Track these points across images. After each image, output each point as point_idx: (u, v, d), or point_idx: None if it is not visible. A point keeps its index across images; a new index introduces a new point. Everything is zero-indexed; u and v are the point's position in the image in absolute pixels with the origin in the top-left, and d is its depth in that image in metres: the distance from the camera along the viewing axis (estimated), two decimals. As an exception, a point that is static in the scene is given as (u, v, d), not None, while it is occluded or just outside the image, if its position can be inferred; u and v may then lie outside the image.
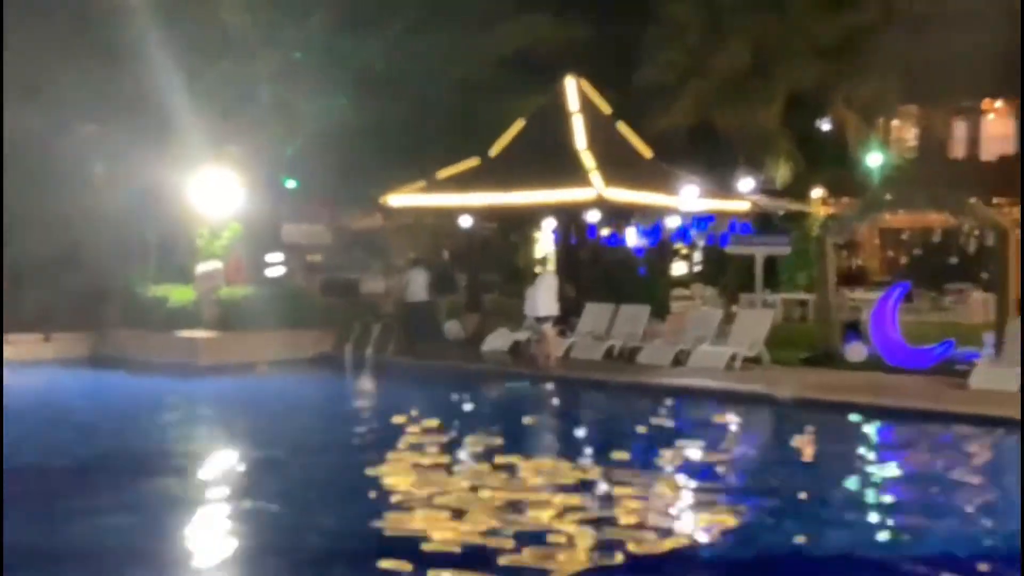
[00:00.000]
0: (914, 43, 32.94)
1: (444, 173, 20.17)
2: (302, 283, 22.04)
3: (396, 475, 9.19)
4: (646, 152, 21.58)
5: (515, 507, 8.12)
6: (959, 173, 36.78)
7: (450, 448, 10.54)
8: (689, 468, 10.07)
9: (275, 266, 20.78)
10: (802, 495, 8.92)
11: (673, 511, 8.43)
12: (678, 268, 30.38)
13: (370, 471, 9.26)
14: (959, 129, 43.84)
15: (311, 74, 19.61)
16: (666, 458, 10.25)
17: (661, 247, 23.37)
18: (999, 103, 42.04)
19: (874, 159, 27.15)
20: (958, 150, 43.51)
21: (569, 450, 11.12)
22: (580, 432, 12.87)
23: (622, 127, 21.39)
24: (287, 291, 19.78)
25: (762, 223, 25.28)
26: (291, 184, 21.98)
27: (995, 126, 41.94)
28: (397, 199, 20.48)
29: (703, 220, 22.15)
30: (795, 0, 28.03)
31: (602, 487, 8.96)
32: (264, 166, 19.55)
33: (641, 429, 12.04)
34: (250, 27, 18.83)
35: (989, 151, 40.97)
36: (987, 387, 13.21)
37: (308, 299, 19.84)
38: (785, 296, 24.83)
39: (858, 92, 28.24)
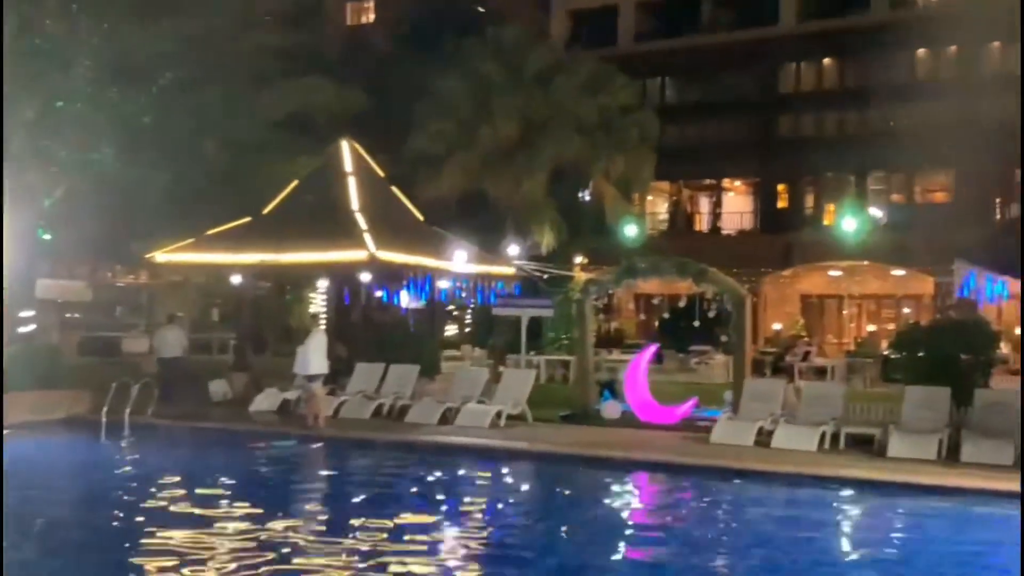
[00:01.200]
0: (668, 126, 35.87)
1: (214, 231, 19.88)
2: (56, 341, 20.87)
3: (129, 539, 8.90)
4: (418, 216, 22.21)
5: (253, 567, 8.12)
6: (703, 244, 40.03)
7: (198, 509, 10.26)
8: (443, 522, 10.40)
9: (27, 323, 19.58)
10: (553, 544, 9.51)
11: (419, 565, 8.53)
12: (449, 329, 31.13)
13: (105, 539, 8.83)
14: (704, 205, 47.78)
15: (72, 123, 18.86)
16: (423, 512, 10.51)
17: (432, 308, 23.91)
18: (738, 182, 46.26)
19: (630, 229, 29.10)
20: (703, 224, 47.35)
21: (324, 509, 11.18)
22: (339, 490, 12.83)
23: (395, 191, 21.95)
24: (39, 350, 18.71)
25: (528, 287, 26.42)
26: (47, 236, 20.90)
27: (734, 203, 46.04)
28: (163, 256, 19.95)
29: (472, 283, 22.93)
30: (559, 81, 29.97)
31: (355, 546, 8.97)
32: (19, 217, 18.51)
33: (402, 486, 12.33)
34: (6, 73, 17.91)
35: (729, 225, 44.88)
36: (726, 441, 14.45)
37: (62, 358, 18.82)
38: (548, 357, 25.98)
39: (615, 167, 30.36)
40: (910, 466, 12.49)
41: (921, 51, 41.27)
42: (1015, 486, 11.36)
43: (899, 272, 38.48)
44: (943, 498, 11.27)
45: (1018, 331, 35.01)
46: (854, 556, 9.50)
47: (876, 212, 40.93)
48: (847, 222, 25.08)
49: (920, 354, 15.97)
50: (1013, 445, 12.64)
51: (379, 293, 22.12)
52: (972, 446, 12.84)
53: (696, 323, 18.67)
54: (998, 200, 39.08)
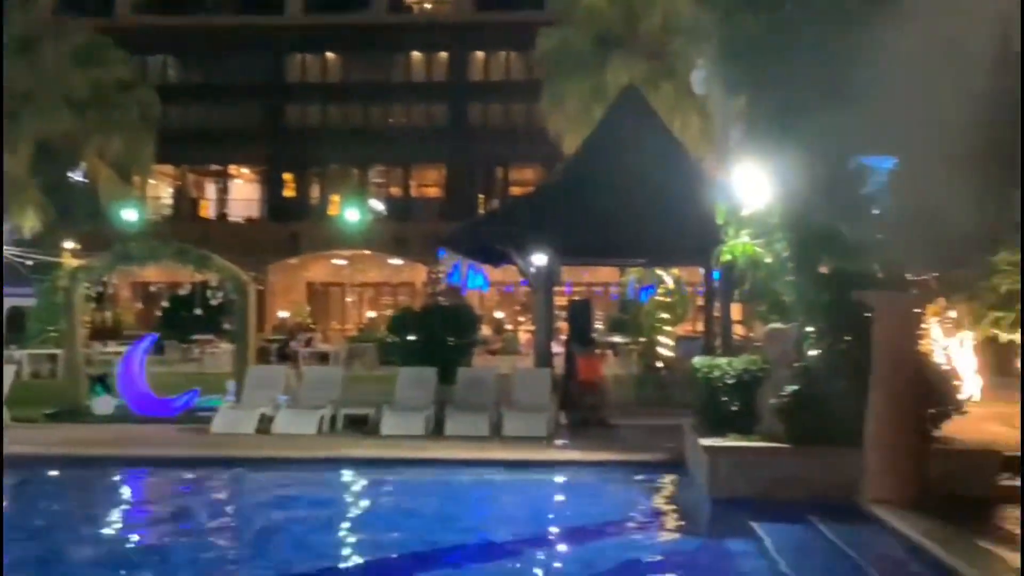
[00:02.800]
0: (172, 107, 34.35)
1: None
2: None
3: None
4: None
5: None
6: (210, 231, 39.11)
7: None
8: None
9: None
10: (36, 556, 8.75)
11: None
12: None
13: None
14: (210, 191, 46.64)
15: None
16: None
17: None
18: (245, 169, 45.84)
19: (128, 214, 27.48)
20: (209, 210, 46.20)
21: None
22: None
23: None
24: None
25: (12, 273, 23.83)
26: None
27: (242, 190, 45.56)
28: None
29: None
30: (45, 48, 27.28)
31: None
32: None
33: None
34: None
35: (237, 212, 44.33)
36: (227, 430, 14.27)
37: None
38: (32, 351, 23.68)
39: (111, 146, 28.42)
40: (401, 442, 13.36)
41: (416, 54, 44.11)
42: (492, 454, 12.69)
43: (396, 261, 40.90)
44: (430, 469, 12.21)
45: (497, 314, 39.02)
46: (352, 531, 9.93)
47: (377, 204, 43.07)
48: (350, 213, 26.20)
49: (412, 337, 17.10)
50: (488, 417, 14.05)
51: None
52: (454, 421, 14.06)
53: (199, 311, 18.21)
54: (481, 196, 43.18)
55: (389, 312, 35.76)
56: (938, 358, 15.86)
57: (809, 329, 10.99)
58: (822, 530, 8.63)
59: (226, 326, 20.40)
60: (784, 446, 10.32)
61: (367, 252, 39.50)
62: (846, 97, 11.19)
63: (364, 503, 11.51)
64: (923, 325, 11.31)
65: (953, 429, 10.94)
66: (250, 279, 17.73)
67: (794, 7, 11.41)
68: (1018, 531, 8.50)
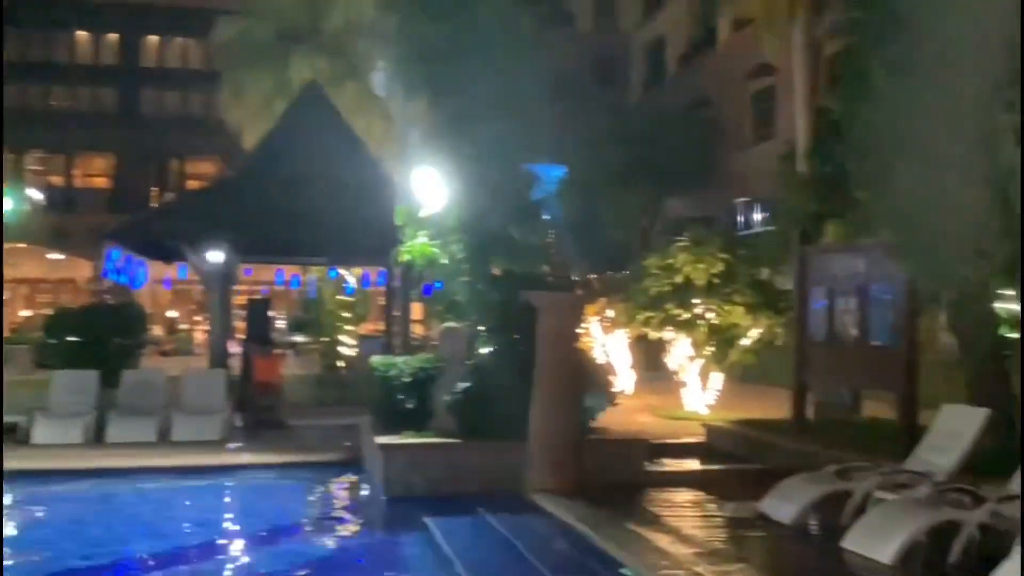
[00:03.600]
0: None
1: None
2: None
3: None
4: None
5: None
6: None
7: None
8: None
9: None
10: None
11: None
12: None
13: None
14: None
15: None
16: None
17: None
18: None
19: None
20: None
21: None
22: None
23: None
24: None
25: None
26: None
27: None
28: None
29: None
30: None
31: None
32: None
33: None
34: None
35: None
36: None
37: None
38: None
39: None
40: (55, 451, 12.34)
41: (82, 33, 40.97)
42: (158, 461, 12.05)
43: (57, 256, 37.69)
44: (87, 480, 11.37)
45: (170, 313, 37.11)
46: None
47: (35, 193, 39.49)
48: (4, 202, 23.74)
49: (73, 338, 15.85)
50: (156, 421, 13.32)
51: None
52: (117, 426, 13.19)
53: None
54: (155, 188, 40.89)
55: (49, 311, 32.89)
56: (597, 354, 17.13)
57: (481, 328, 11.45)
58: (489, 520, 9.01)
59: None
60: (456, 441, 10.67)
61: (22, 245, 36.06)
62: (515, 107, 11.80)
63: (9, 523, 10.49)
64: (583, 323, 12.15)
65: (608, 420, 11.85)
66: None
67: (467, 18, 11.83)
68: (661, 512, 9.36)
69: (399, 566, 8.47)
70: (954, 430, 8.74)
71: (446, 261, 11.87)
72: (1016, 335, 14.95)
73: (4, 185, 15.80)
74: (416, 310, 21.33)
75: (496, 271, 11.76)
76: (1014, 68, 8.95)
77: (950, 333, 11.57)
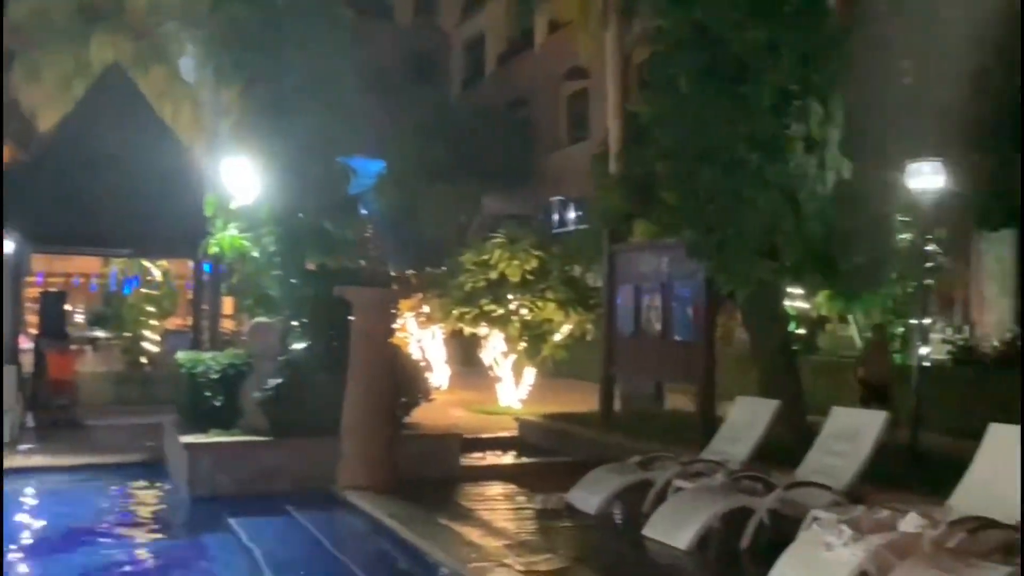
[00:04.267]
0: None
1: None
2: None
3: None
4: None
5: None
6: None
7: None
8: None
9: None
10: None
11: None
12: None
13: None
14: None
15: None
16: None
17: None
18: None
19: None
20: None
21: None
22: None
23: None
24: None
25: None
26: None
27: None
28: None
29: None
30: None
31: None
32: None
33: None
34: None
35: None
36: None
37: None
38: None
39: None
40: None
41: None
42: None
43: None
44: None
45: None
46: None
47: None
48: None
49: None
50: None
51: None
52: None
53: None
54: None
55: None
56: (412, 350, 17.14)
57: (294, 323, 11.21)
58: (298, 519, 8.85)
59: None
60: (266, 439, 10.40)
61: None
62: (332, 99, 11.62)
63: None
64: (398, 319, 12.12)
65: (422, 415, 11.87)
66: None
67: (283, 3, 11.56)
68: (473, 506, 9.47)
69: (202, 570, 8.17)
70: (747, 421, 9.26)
71: (257, 254, 11.55)
72: (803, 331, 16.01)
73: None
74: (227, 304, 20.64)
75: (310, 265, 11.55)
76: (804, 78, 9.58)
77: (745, 329, 12.24)
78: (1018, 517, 6.35)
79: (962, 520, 6.32)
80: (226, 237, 11.68)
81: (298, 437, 10.32)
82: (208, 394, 11.21)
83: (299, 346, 10.99)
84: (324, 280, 10.99)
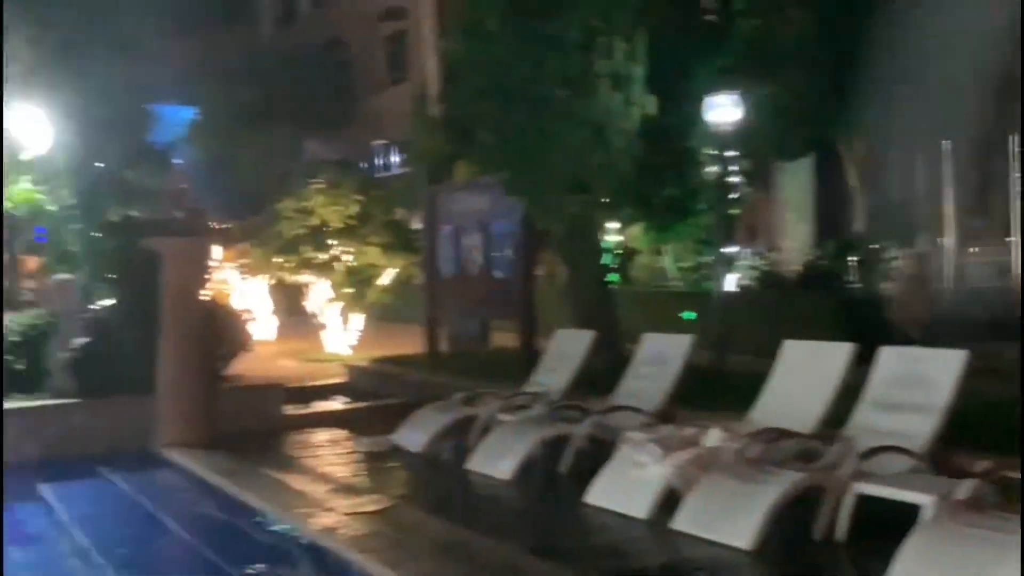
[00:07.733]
0: None
1: None
2: None
3: None
4: None
5: None
6: None
7: None
8: None
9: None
10: None
11: None
12: None
13: None
14: None
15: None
16: None
17: None
18: None
19: None
20: None
21: None
22: None
23: None
24: None
25: None
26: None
27: None
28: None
29: None
30: None
31: None
32: None
33: None
34: None
35: None
36: None
37: None
38: None
39: None
40: None
41: None
42: None
43: None
44: None
45: None
46: None
47: None
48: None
49: None
50: None
51: None
52: None
53: None
54: None
55: None
56: (235, 301, 16.69)
57: (100, 279, 10.71)
58: (114, 480, 8.54)
59: None
60: (75, 401, 9.93)
61: None
62: (130, 40, 11.03)
63: None
64: (214, 269, 11.75)
65: (248, 367, 11.62)
66: None
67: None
68: (298, 454, 9.40)
69: (13, 540, 7.77)
70: (565, 352, 9.53)
71: (54, 208, 10.91)
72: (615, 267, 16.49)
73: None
74: (31, 262, 19.46)
75: (113, 217, 11.01)
76: (607, 15, 9.75)
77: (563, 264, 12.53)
78: (812, 425, 6.85)
79: (760, 432, 6.73)
80: (18, 191, 10.97)
81: (111, 397, 9.91)
82: (10, 358, 10.57)
83: (107, 303, 10.50)
84: (130, 232, 10.50)
